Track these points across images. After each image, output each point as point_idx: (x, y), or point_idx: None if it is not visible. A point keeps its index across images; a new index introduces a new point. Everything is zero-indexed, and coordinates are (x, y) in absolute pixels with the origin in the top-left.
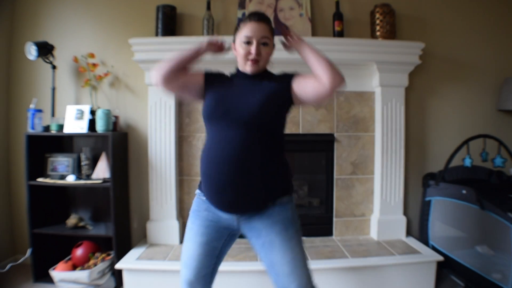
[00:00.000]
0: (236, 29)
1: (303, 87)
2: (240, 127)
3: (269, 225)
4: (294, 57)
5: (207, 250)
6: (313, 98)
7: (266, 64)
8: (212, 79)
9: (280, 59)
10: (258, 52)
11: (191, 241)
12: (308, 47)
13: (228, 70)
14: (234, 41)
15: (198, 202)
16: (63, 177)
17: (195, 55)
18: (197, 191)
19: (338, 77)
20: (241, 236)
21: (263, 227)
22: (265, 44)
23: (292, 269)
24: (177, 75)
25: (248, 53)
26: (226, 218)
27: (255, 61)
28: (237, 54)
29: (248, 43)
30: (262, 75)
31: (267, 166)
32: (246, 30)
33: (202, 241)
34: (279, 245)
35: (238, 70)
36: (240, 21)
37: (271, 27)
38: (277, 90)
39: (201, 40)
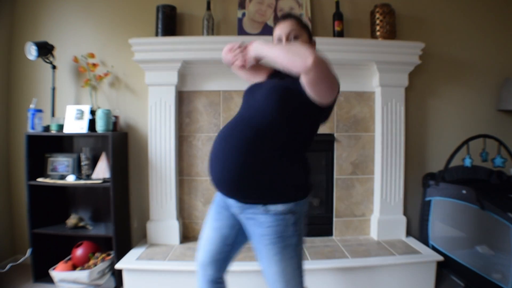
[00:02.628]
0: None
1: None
2: (254, 117)
3: (259, 234)
4: None
5: (219, 236)
6: (312, 94)
7: None
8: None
9: None
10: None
11: (208, 225)
12: (260, 50)
13: None
14: None
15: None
16: (63, 177)
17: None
18: None
19: (306, 61)
20: None
21: (255, 234)
22: (295, 37)
23: (275, 281)
24: None
25: None
26: (231, 205)
27: None
28: None
29: (280, 41)
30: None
31: (267, 163)
32: (276, 31)
33: (215, 226)
34: (265, 256)
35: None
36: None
37: (299, 22)
38: (292, 87)
39: (201, 40)
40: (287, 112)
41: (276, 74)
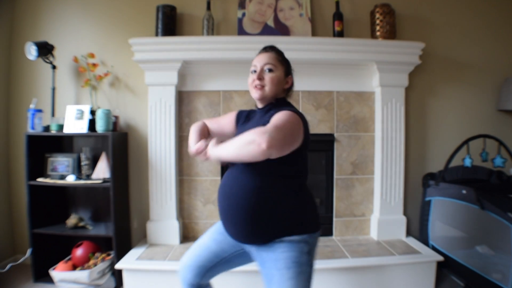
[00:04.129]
0: None
1: None
2: (248, 168)
3: (272, 259)
4: (295, 57)
5: (217, 247)
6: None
7: (274, 91)
8: (240, 118)
9: None
10: (260, 77)
11: (209, 235)
12: (218, 154)
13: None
14: None
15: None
16: (63, 177)
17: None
18: None
19: (261, 147)
20: None
21: (267, 259)
22: (270, 70)
23: None
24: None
25: (253, 80)
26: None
27: (259, 87)
28: None
29: (254, 71)
30: (270, 106)
31: (273, 205)
32: (254, 61)
33: (217, 238)
34: (277, 281)
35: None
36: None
37: (280, 55)
38: None
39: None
40: (286, 155)
41: (246, 119)
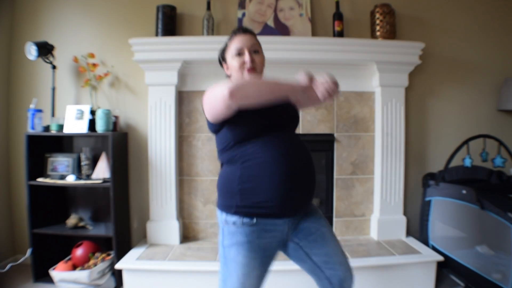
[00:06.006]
0: (224, 50)
1: None
2: (293, 131)
3: (315, 221)
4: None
5: (263, 278)
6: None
7: (262, 72)
8: None
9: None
10: (252, 59)
11: (249, 277)
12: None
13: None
14: (224, 60)
15: (245, 231)
16: (63, 177)
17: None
18: (235, 218)
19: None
20: None
21: (311, 224)
22: (256, 52)
23: (345, 258)
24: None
25: (242, 63)
26: (280, 231)
27: (252, 69)
28: (232, 71)
29: (240, 54)
30: None
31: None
32: (236, 43)
33: (260, 274)
34: (330, 237)
35: None
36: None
37: (257, 38)
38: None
39: (201, 40)
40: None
41: None
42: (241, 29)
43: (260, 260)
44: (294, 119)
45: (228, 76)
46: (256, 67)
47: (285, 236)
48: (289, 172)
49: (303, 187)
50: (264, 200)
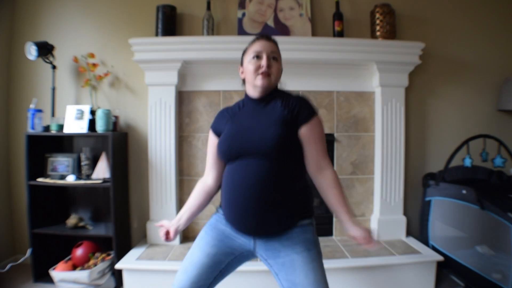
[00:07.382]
0: (244, 52)
1: (305, 145)
2: (259, 158)
3: (289, 246)
4: (295, 57)
5: (212, 262)
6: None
7: (277, 82)
8: (218, 126)
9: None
10: (269, 64)
11: (200, 249)
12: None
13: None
14: (241, 63)
15: (219, 217)
16: (63, 177)
17: None
18: (218, 208)
19: None
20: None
21: (282, 247)
22: (274, 59)
23: None
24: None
25: (258, 67)
26: (243, 239)
27: (266, 74)
28: (246, 75)
29: (258, 57)
30: (269, 97)
31: (288, 191)
32: (255, 46)
33: (210, 252)
34: (301, 265)
35: (246, 97)
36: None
37: (277, 46)
38: (286, 119)
39: (201, 40)
40: (298, 143)
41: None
42: (264, 36)
43: (216, 242)
44: (264, 149)
45: (242, 80)
46: (271, 74)
47: (252, 248)
48: (238, 202)
49: (255, 219)
50: (227, 216)
